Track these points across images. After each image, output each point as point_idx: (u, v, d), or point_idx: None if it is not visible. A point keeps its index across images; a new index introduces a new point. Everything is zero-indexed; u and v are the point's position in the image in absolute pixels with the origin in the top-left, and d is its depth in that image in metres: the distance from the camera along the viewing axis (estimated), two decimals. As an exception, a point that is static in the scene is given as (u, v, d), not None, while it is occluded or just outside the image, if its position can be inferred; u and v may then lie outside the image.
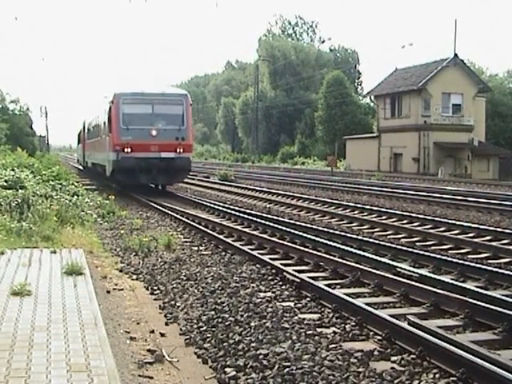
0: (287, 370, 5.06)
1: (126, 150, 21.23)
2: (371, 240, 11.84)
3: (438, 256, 10.08)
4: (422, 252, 10.44)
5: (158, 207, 18.28)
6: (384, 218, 16.37)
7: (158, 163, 21.58)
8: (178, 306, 7.38)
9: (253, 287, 8.11)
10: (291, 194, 23.87)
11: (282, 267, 8.98)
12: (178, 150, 21.69)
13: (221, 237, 12.26)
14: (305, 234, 12.21)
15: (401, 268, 8.80)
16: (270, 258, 9.93)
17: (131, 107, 22.05)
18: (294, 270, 8.77)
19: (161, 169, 21.74)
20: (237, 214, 16.20)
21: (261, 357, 5.40)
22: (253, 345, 5.75)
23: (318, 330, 6.28)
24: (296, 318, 6.68)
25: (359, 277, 8.50)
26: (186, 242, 12.32)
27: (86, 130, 36.73)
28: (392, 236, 13.34)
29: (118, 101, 22.02)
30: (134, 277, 9.12)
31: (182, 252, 10.99)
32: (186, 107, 22.52)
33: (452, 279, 8.41)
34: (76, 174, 34.67)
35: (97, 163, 29.06)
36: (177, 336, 6.36)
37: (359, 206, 18.88)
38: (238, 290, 7.92)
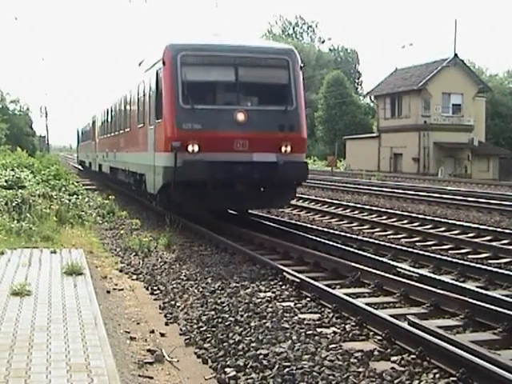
0: (287, 370, 5.06)
1: (190, 148, 12.04)
2: (371, 240, 11.84)
3: (438, 256, 10.09)
4: (422, 252, 10.44)
5: (158, 207, 18.24)
6: (384, 217, 16.37)
7: (246, 172, 12.27)
8: (178, 306, 7.37)
9: (253, 287, 8.11)
10: (291, 194, 23.82)
11: (281, 267, 8.97)
12: (283, 149, 12.48)
13: (221, 237, 12.24)
14: (305, 234, 12.20)
15: (401, 268, 8.80)
16: (270, 258, 9.93)
17: (198, 71, 12.63)
18: (293, 270, 8.77)
19: (252, 182, 12.58)
20: (236, 213, 16.19)
21: (261, 357, 5.39)
22: (253, 345, 5.74)
23: (318, 330, 6.27)
24: (296, 318, 6.68)
25: (359, 277, 8.49)
26: (186, 242, 12.31)
27: (99, 122, 27.28)
28: (392, 236, 13.34)
29: (175, 60, 12.35)
30: (134, 277, 9.11)
31: (181, 252, 10.99)
32: (295, 72, 12.95)
33: (452, 279, 8.41)
34: (76, 173, 34.73)
35: (122, 169, 19.31)
36: (177, 336, 6.36)
37: (359, 206, 18.89)
38: (237, 290, 7.92)
